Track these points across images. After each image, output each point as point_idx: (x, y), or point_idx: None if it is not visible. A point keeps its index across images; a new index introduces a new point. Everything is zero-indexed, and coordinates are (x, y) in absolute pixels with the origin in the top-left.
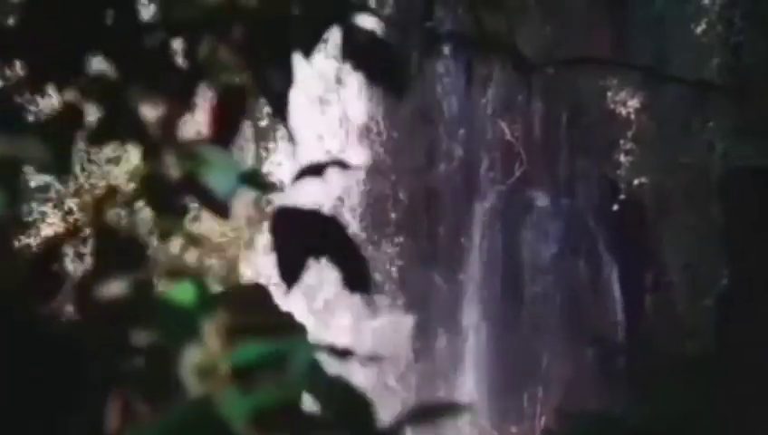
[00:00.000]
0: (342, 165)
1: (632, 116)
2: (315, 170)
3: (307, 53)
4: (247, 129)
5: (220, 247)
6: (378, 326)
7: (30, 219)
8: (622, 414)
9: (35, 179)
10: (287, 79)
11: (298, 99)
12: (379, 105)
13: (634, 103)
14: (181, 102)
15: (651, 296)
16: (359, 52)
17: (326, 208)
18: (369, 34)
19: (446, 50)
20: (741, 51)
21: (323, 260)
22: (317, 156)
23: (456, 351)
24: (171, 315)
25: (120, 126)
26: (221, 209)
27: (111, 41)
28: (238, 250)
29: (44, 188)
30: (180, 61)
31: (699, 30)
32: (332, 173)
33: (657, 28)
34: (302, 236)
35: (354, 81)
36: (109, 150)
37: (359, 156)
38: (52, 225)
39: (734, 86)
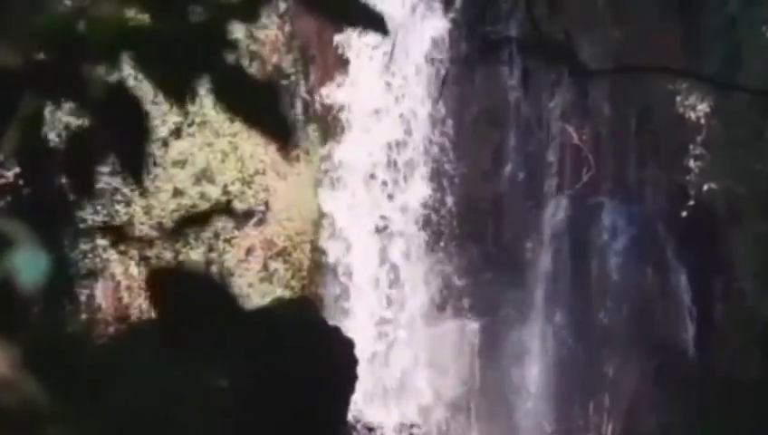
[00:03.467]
0: (230, 213)
1: (702, 120)
2: (199, 219)
3: (180, 102)
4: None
5: (285, 251)
6: (443, 332)
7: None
8: None
9: (104, 182)
10: (142, 137)
11: (358, 105)
12: (445, 109)
13: (704, 107)
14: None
15: (721, 305)
16: (233, 95)
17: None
18: (246, 77)
19: (505, 54)
20: None
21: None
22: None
23: (522, 358)
24: None
25: None
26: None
27: None
28: (303, 254)
29: (113, 191)
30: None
31: None
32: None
33: (729, 31)
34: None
35: (417, 84)
36: (174, 153)
37: (423, 162)
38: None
39: None
